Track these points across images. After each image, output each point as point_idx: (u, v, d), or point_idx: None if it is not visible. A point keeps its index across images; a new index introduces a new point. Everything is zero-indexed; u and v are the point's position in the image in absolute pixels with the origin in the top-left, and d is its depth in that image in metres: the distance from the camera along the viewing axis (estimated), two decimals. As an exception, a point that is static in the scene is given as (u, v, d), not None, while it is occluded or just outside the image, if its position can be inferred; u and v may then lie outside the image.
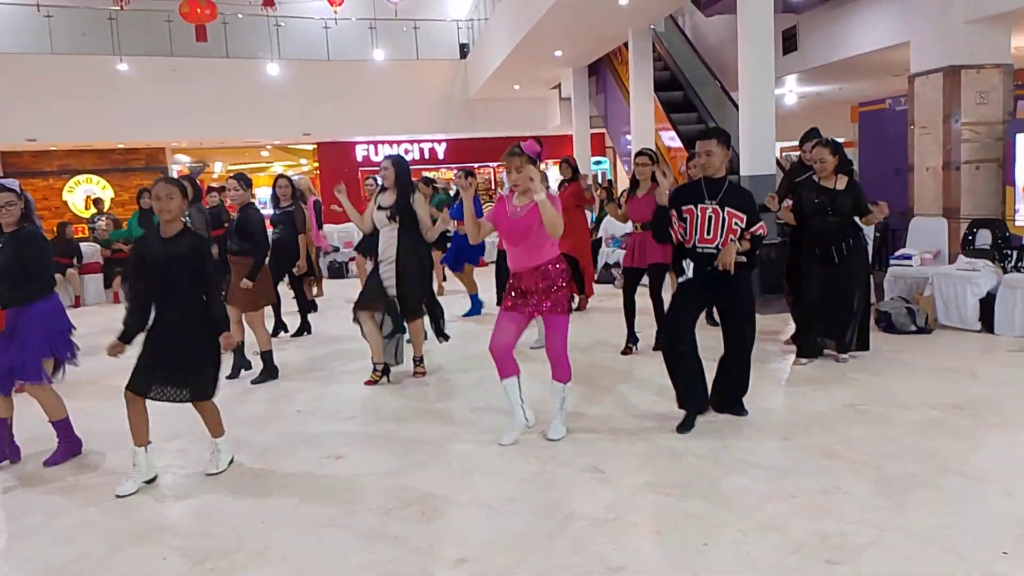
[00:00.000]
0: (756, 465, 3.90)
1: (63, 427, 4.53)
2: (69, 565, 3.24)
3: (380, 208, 5.71)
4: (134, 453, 3.99)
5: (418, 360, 6.03)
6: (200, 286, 3.95)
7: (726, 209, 4.33)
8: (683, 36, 14.90)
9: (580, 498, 3.62)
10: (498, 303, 6.01)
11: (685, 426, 4.41)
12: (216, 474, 4.13)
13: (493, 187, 20.57)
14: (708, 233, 4.36)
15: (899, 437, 4.20)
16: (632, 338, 6.44)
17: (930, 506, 3.36)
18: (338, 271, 13.33)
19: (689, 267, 4.44)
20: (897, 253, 7.68)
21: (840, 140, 6.00)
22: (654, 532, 3.27)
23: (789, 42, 12.66)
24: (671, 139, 13.32)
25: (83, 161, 18.69)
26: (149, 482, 4.04)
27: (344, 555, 3.20)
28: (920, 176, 8.20)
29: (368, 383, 5.82)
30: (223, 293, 5.19)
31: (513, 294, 4.30)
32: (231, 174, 6.50)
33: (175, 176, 8.69)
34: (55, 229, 11.47)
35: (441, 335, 6.18)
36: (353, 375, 6.16)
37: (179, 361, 3.93)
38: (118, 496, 3.89)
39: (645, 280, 6.34)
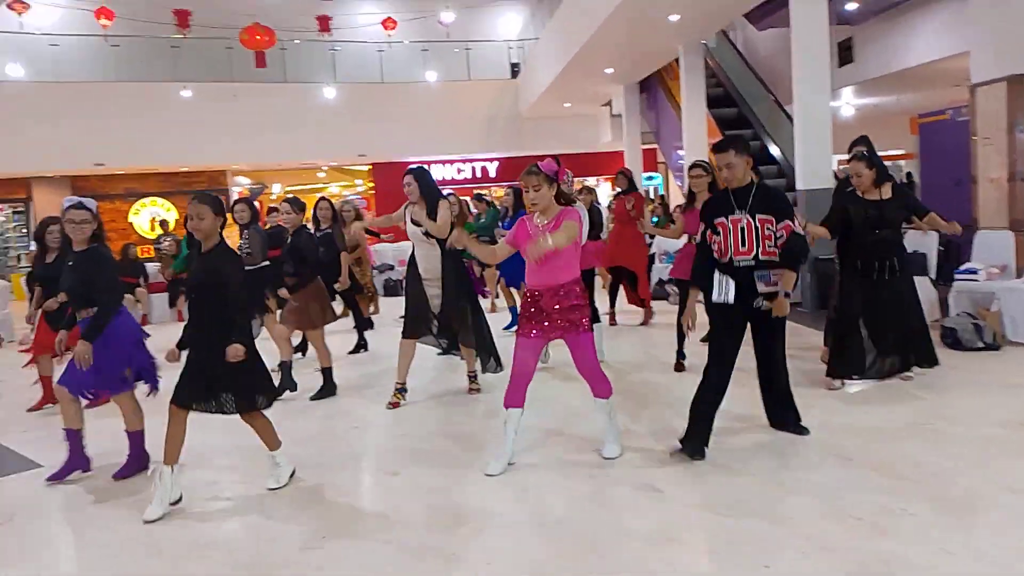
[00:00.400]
0: (816, 484, 3.82)
1: (137, 439, 4.63)
2: (135, 576, 3.34)
3: (414, 223, 5.66)
4: (160, 472, 3.96)
5: (472, 377, 6.07)
6: (227, 303, 3.95)
7: (757, 217, 4.20)
8: (735, 50, 14.80)
9: (634, 517, 3.59)
10: None
11: (679, 451, 4.27)
12: (276, 489, 4.18)
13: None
14: (743, 245, 4.21)
15: (964, 456, 4.07)
16: (681, 354, 6.36)
17: (995, 527, 3.25)
18: (393, 289, 13.50)
19: (726, 286, 4.21)
20: (962, 267, 7.45)
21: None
22: (710, 552, 3.23)
23: (845, 54, 12.49)
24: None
25: (147, 184, 19.35)
26: (174, 504, 3.99)
27: (396, 571, 3.23)
28: (983, 188, 7.98)
29: (392, 405, 5.78)
30: (254, 313, 5.09)
31: (531, 315, 4.22)
32: (287, 196, 6.67)
33: (236, 195, 8.93)
34: (120, 250, 11.87)
35: (488, 367, 5.94)
36: (408, 392, 6.20)
37: (212, 375, 3.96)
38: (146, 522, 3.86)
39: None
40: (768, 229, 4.19)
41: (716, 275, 4.26)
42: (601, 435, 4.47)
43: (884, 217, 5.29)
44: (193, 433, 4.09)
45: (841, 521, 3.38)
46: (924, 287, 7.15)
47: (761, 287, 4.19)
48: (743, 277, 4.22)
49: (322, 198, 8.22)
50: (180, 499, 4.03)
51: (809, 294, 8.68)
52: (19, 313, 11.35)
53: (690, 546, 3.29)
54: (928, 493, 3.61)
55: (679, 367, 6.33)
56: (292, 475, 4.30)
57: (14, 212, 19.04)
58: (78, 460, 4.64)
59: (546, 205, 4.18)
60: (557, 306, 4.14)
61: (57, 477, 4.56)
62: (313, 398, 6.14)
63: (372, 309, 9.78)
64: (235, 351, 3.89)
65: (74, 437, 4.60)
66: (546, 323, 4.18)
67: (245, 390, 4.05)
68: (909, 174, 17.43)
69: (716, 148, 4.33)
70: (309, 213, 7.49)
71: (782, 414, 4.60)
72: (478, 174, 21.34)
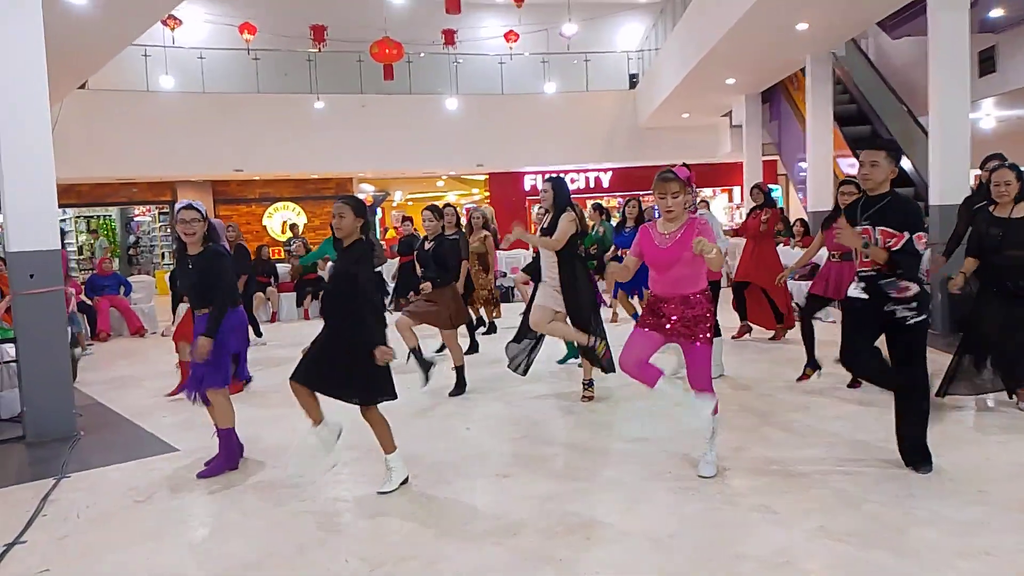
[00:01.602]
0: (946, 518, 3.62)
1: (226, 437, 4.78)
2: (260, 563, 3.53)
3: (542, 230, 5.89)
4: (316, 432, 4.28)
5: (587, 384, 6.08)
6: (356, 296, 4.08)
7: (879, 229, 4.00)
8: (866, 60, 14.21)
9: (749, 539, 3.51)
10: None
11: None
12: (386, 493, 4.24)
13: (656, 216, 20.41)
14: (866, 256, 4.06)
15: (1118, 499, 3.76)
16: (812, 363, 6.16)
17: None
18: (504, 295, 13.63)
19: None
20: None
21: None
22: (829, 579, 3.12)
23: (986, 63, 11.80)
24: (850, 166, 12.71)
25: (281, 189, 20.37)
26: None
27: (511, 574, 3.29)
28: None
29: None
30: (385, 308, 5.33)
31: (651, 314, 4.20)
32: (426, 204, 6.99)
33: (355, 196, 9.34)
34: (254, 251, 12.55)
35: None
36: (520, 395, 6.30)
37: (334, 364, 4.14)
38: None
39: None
40: (889, 243, 3.98)
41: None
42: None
43: (1009, 237, 4.94)
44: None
45: (973, 559, 3.20)
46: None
47: (893, 294, 3.98)
48: (870, 287, 4.10)
49: (430, 206, 8.43)
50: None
51: (940, 315, 8.22)
52: (162, 306, 12.20)
53: (808, 573, 3.19)
54: (1074, 535, 3.37)
55: (804, 376, 6.16)
56: (405, 481, 4.33)
57: (160, 213, 20.47)
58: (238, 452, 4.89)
59: (679, 212, 4.13)
60: (682, 314, 4.10)
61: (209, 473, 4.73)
62: (451, 394, 6.41)
63: (495, 313, 9.87)
64: (383, 353, 4.02)
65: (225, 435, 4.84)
66: (666, 326, 4.14)
67: (360, 387, 4.16)
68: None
69: (869, 144, 4.16)
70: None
71: (907, 452, 4.26)
72: (591, 184, 21.33)
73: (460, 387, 6.49)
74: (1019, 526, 3.49)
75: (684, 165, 4.21)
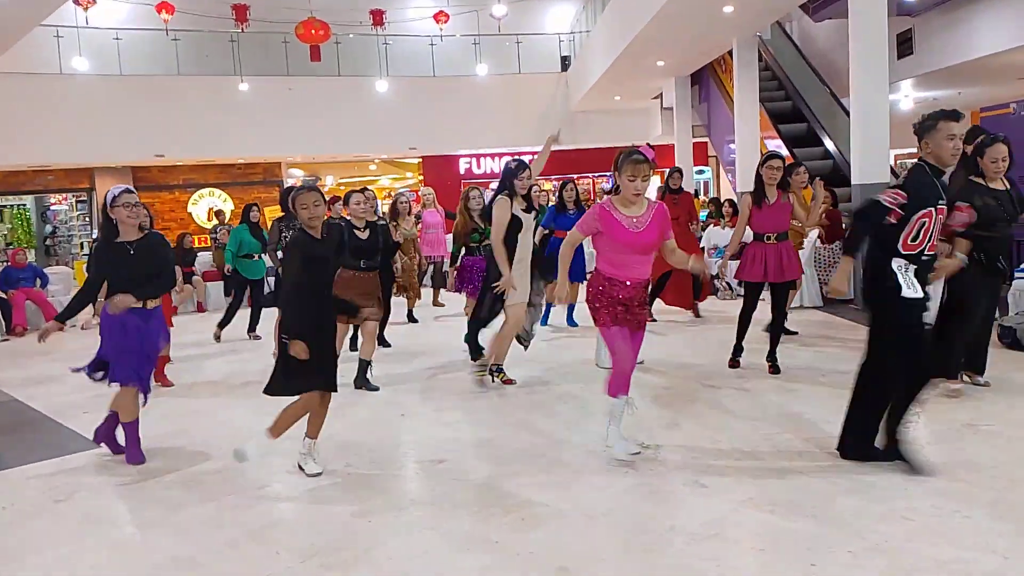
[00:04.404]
0: (868, 485, 3.75)
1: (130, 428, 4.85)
2: (192, 558, 3.44)
3: (526, 211, 5.99)
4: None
5: (498, 369, 6.12)
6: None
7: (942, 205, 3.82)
8: (790, 42, 14.54)
9: (681, 512, 3.58)
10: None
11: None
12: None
13: (592, 198, 20.53)
14: (932, 238, 3.82)
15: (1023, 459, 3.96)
16: (738, 350, 6.20)
17: (1059, 535, 3.16)
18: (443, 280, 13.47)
19: (912, 277, 3.77)
20: (1023, 266, 7.24)
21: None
22: (757, 550, 3.20)
23: (904, 46, 12.21)
24: (777, 147, 13.02)
25: (206, 175, 19.79)
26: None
27: (445, 558, 3.27)
28: (1050, 184, 7.70)
29: (507, 382, 5.99)
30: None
31: (614, 305, 4.11)
32: (358, 188, 6.79)
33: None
34: (175, 240, 12.17)
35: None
36: (452, 383, 6.27)
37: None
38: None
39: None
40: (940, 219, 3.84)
41: (897, 266, 3.78)
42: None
43: (1007, 208, 4.88)
44: (247, 418, 4.19)
45: (893, 523, 3.32)
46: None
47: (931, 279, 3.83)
48: (924, 272, 3.85)
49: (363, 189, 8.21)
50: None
51: (860, 289, 8.50)
52: (82, 299, 11.73)
53: (735, 543, 3.26)
54: (987, 498, 3.53)
55: (734, 364, 6.19)
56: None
57: (77, 201, 19.68)
58: (117, 446, 4.85)
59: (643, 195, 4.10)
60: (640, 301, 4.18)
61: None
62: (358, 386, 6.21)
63: (414, 303, 9.68)
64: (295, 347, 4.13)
65: (121, 426, 4.79)
66: (629, 316, 4.13)
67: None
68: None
69: (954, 117, 3.75)
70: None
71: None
72: (527, 167, 21.34)
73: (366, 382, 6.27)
74: (937, 491, 3.63)
75: (648, 145, 4.14)
